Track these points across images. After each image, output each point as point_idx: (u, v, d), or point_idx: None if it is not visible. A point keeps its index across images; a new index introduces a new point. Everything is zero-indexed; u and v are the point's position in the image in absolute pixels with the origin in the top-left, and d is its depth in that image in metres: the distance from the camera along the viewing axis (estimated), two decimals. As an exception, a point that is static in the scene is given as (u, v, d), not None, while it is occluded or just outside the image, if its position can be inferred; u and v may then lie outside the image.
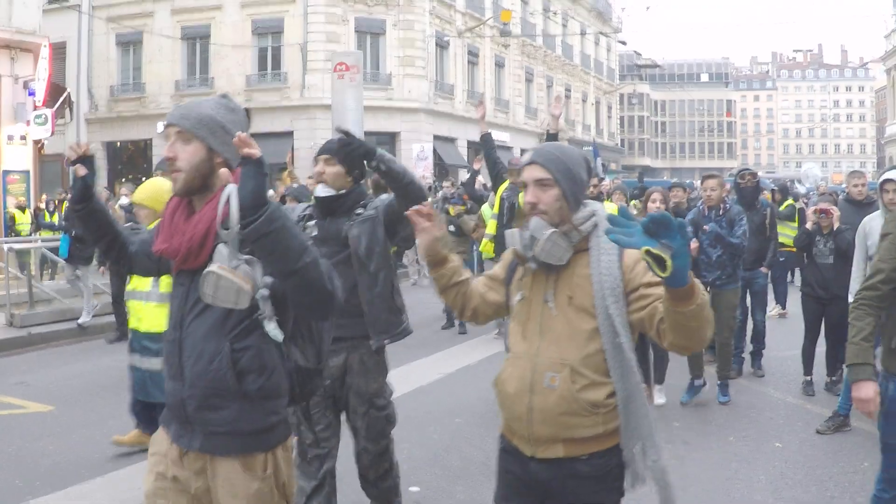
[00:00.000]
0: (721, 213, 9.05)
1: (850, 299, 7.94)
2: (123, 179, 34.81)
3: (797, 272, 17.43)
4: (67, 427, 8.27)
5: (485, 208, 12.89)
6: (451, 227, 14.54)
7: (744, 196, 10.49)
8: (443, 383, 10.27)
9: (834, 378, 9.64)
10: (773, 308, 14.22)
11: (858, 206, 9.44)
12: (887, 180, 7.40)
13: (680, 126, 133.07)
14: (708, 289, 8.74)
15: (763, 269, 10.77)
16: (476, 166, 14.78)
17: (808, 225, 9.44)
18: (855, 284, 7.88)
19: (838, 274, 9.12)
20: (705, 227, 8.90)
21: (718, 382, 9.17)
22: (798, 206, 15.02)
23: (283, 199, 15.58)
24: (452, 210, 15.17)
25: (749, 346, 10.92)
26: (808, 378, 9.64)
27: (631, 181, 28.26)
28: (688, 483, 6.68)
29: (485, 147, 9.90)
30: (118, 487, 6.73)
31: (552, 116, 8.61)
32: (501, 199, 10.10)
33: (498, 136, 48.10)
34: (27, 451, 7.65)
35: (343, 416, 5.29)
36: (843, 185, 21.87)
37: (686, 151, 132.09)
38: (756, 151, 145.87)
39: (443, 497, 6.43)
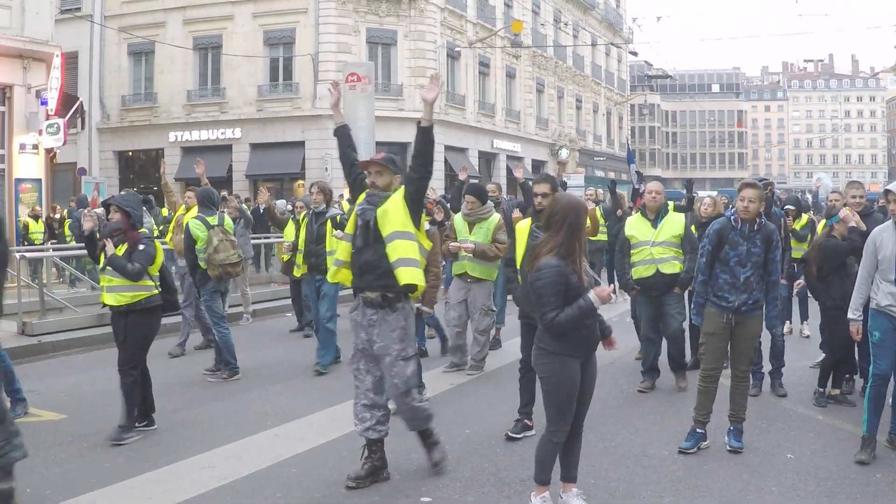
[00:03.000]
0: (756, 228, 7.72)
1: (851, 314, 7.63)
2: (134, 189, 34.73)
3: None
4: (78, 436, 8.28)
5: (457, 219, 11.50)
6: None
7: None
8: (452, 394, 10.25)
9: (842, 390, 9.58)
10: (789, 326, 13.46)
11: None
12: (888, 191, 7.39)
13: (691, 136, 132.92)
14: (730, 315, 7.73)
15: (784, 281, 10.14)
16: (462, 176, 14.03)
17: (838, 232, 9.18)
18: (859, 298, 7.61)
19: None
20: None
21: (731, 428, 7.90)
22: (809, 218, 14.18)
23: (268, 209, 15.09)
24: None
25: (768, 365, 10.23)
26: (823, 390, 9.51)
27: (675, 192, 26.65)
28: (698, 494, 6.66)
29: (339, 143, 7.54)
30: (126, 496, 6.74)
31: (425, 102, 6.74)
32: (356, 215, 6.99)
33: (509, 146, 48.21)
34: (38, 459, 7.65)
35: None
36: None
37: (697, 162, 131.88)
38: (767, 162, 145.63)
39: (453, 507, 6.42)
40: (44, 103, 23.73)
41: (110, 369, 11.69)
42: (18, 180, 23.82)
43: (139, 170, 42.73)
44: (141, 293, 8.50)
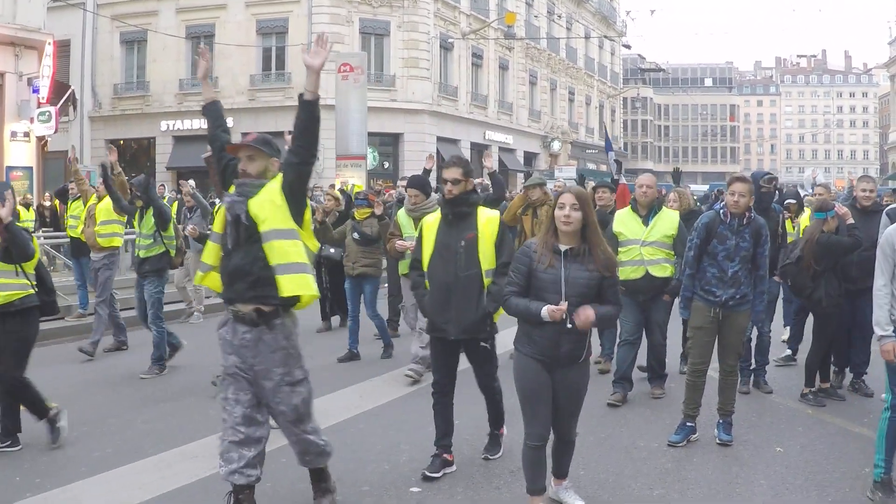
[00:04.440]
0: (745, 222, 7.64)
1: (881, 331, 6.47)
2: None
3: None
4: (68, 424, 8.25)
5: (401, 214, 10.64)
6: (356, 235, 11.76)
7: (762, 201, 9.59)
8: (443, 384, 10.23)
9: (832, 383, 9.58)
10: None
11: (863, 213, 9.32)
12: None
13: (683, 130, 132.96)
14: (717, 310, 7.67)
15: (776, 278, 9.87)
16: (428, 165, 13.56)
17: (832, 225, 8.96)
18: (885, 311, 6.47)
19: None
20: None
21: (720, 421, 7.88)
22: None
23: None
24: (358, 213, 12.03)
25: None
26: (814, 389, 9.38)
27: (667, 185, 25.92)
28: (688, 486, 6.68)
29: (208, 123, 6.28)
30: (116, 485, 6.73)
31: (309, 69, 5.74)
32: (224, 210, 5.78)
33: (501, 137, 48.20)
34: (27, 447, 7.64)
35: None
36: (845, 190, 21.11)
37: (689, 156, 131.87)
38: (759, 156, 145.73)
39: (443, 498, 6.43)
40: (35, 91, 23.70)
41: (99, 358, 11.73)
42: (9, 168, 23.78)
43: (130, 158, 42.58)
44: (14, 293, 7.70)
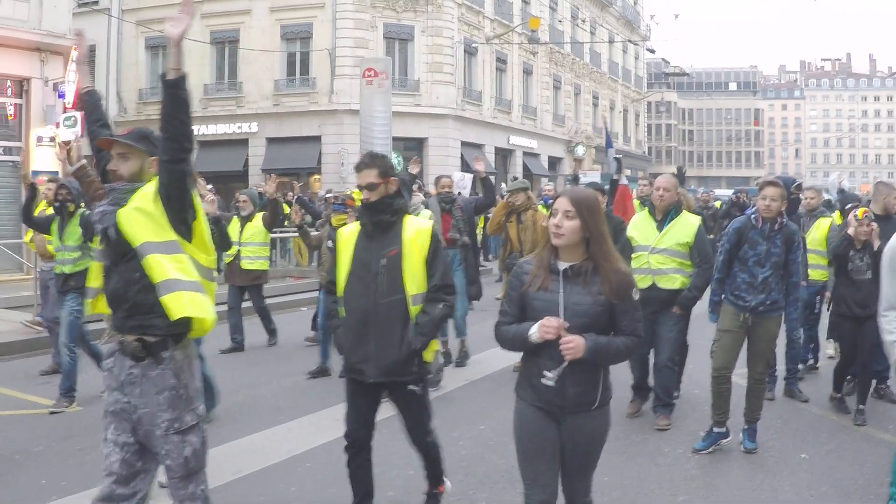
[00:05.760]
0: (777, 227, 7.50)
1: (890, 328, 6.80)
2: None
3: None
4: (93, 427, 8.29)
5: None
6: (330, 243, 9.82)
7: (790, 207, 9.27)
8: (467, 390, 10.25)
9: (863, 406, 8.97)
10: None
11: (882, 219, 9.22)
12: None
13: (707, 135, 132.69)
14: (747, 315, 7.57)
15: (803, 283, 9.49)
16: (414, 169, 12.85)
17: (851, 231, 8.67)
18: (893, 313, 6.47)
19: (878, 289, 8.87)
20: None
21: (745, 427, 7.78)
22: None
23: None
24: (335, 220, 10.62)
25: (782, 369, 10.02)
26: (840, 395, 9.28)
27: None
28: (712, 493, 6.66)
29: (85, 117, 5.33)
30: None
31: (170, 41, 4.66)
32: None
33: (525, 142, 48.20)
34: (53, 450, 7.70)
35: None
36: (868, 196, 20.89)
37: (713, 160, 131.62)
38: (783, 161, 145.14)
39: (466, 503, 6.42)
40: (61, 96, 23.81)
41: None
42: (35, 173, 23.87)
43: (156, 163, 42.82)
44: None
